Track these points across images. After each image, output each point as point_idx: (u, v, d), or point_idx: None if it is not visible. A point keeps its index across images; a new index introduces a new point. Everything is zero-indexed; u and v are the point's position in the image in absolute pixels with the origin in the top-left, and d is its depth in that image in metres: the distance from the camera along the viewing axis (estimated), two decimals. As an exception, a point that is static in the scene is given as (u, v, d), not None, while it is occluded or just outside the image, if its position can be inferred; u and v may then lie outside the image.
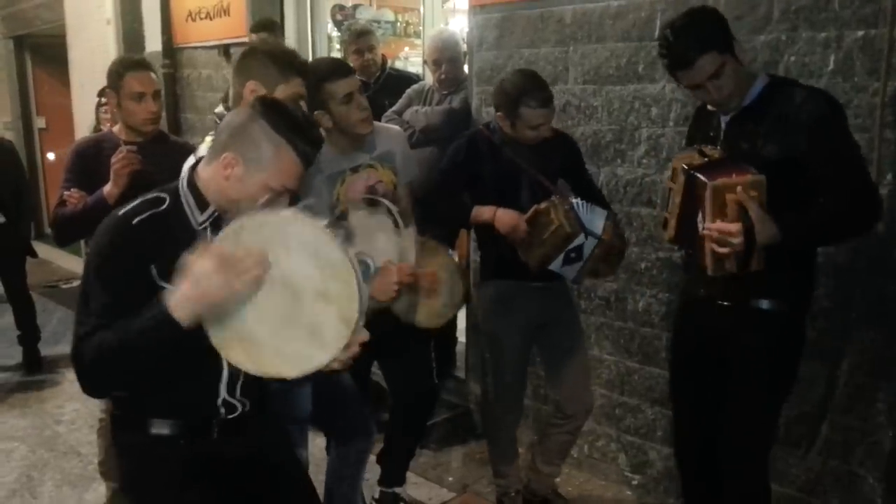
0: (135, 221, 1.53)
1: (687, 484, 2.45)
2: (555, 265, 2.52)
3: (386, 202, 2.24)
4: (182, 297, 1.41)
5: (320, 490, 2.55)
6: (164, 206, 1.58)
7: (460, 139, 2.71)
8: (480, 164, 2.60)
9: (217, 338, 1.46)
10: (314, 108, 2.32)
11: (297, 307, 1.41)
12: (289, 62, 2.07)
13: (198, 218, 1.61)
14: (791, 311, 2.10)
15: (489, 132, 2.64)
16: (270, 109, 1.58)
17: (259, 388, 1.76)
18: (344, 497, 2.58)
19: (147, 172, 2.44)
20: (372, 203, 2.26)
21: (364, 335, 1.48)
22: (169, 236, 1.54)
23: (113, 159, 2.49)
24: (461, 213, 2.62)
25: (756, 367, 2.10)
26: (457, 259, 3.54)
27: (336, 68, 2.39)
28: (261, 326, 1.43)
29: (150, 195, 1.60)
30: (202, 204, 1.61)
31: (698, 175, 1.95)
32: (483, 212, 2.55)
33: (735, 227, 1.85)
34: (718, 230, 1.88)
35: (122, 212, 1.56)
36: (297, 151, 1.56)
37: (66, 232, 2.66)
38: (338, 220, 2.21)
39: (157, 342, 1.43)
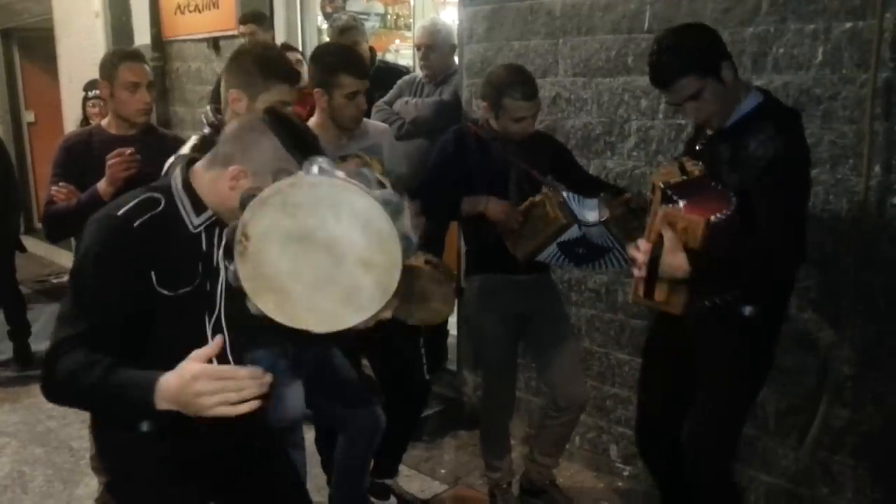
0: (136, 224, 1.49)
1: (655, 474, 2.47)
2: (546, 256, 2.50)
3: (361, 154, 2.18)
4: (169, 397, 1.37)
5: (313, 483, 2.57)
6: (160, 208, 1.54)
7: (446, 135, 2.70)
8: (469, 159, 2.61)
9: (248, 283, 1.44)
10: (319, 86, 2.38)
11: (337, 270, 1.42)
12: (274, 69, 2.05)
13: (193, 221, 1.58)
14: (764, 316, 2.06)
15: (476, 127, 2.65)
16: (282, 126, 1.56)
17: None
18: (353, 481, 2.59)
19: (142, 171, 2.42)
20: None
21: (392, 304, 1.47)
22: (166, 240, 1.52)
23: (111, 160, 2.46)
24: (452, 205, 2.61)
25: (723, 367, 2.10)
26: (444, 254, 3.53)
27: (355, 64, 2.44)
28: (296, 282, 1.43)
29: (143, 195, 1.56)
30: (199, 207, 1.58)
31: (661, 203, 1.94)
32: (475, 202, 2.56)
33: (644, 246, 1.84)
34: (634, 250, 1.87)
35: (120, 212, 1.51)
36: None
37: (58, 229, 2.63)
38: None
39: (127, 407, 1.43)
